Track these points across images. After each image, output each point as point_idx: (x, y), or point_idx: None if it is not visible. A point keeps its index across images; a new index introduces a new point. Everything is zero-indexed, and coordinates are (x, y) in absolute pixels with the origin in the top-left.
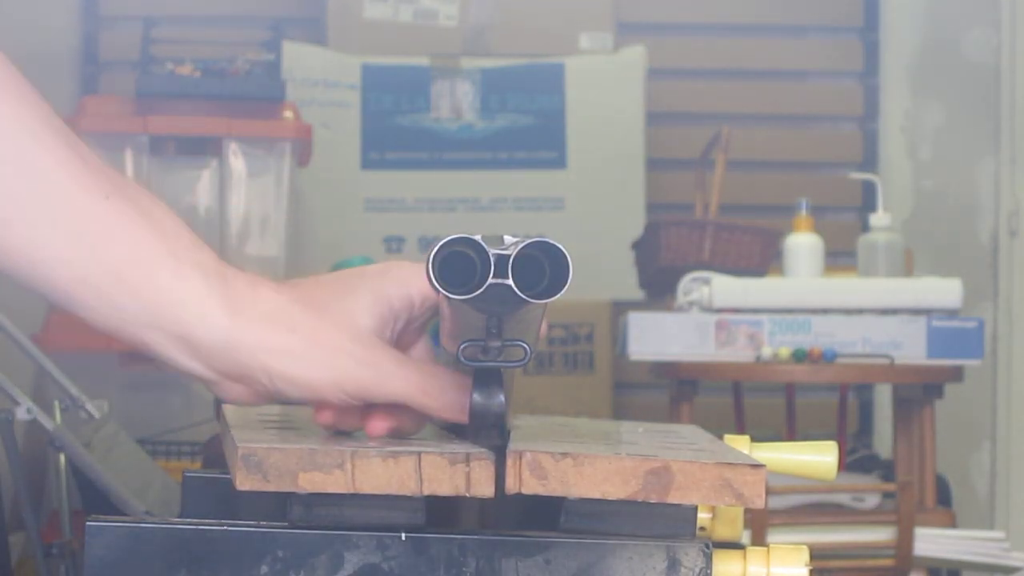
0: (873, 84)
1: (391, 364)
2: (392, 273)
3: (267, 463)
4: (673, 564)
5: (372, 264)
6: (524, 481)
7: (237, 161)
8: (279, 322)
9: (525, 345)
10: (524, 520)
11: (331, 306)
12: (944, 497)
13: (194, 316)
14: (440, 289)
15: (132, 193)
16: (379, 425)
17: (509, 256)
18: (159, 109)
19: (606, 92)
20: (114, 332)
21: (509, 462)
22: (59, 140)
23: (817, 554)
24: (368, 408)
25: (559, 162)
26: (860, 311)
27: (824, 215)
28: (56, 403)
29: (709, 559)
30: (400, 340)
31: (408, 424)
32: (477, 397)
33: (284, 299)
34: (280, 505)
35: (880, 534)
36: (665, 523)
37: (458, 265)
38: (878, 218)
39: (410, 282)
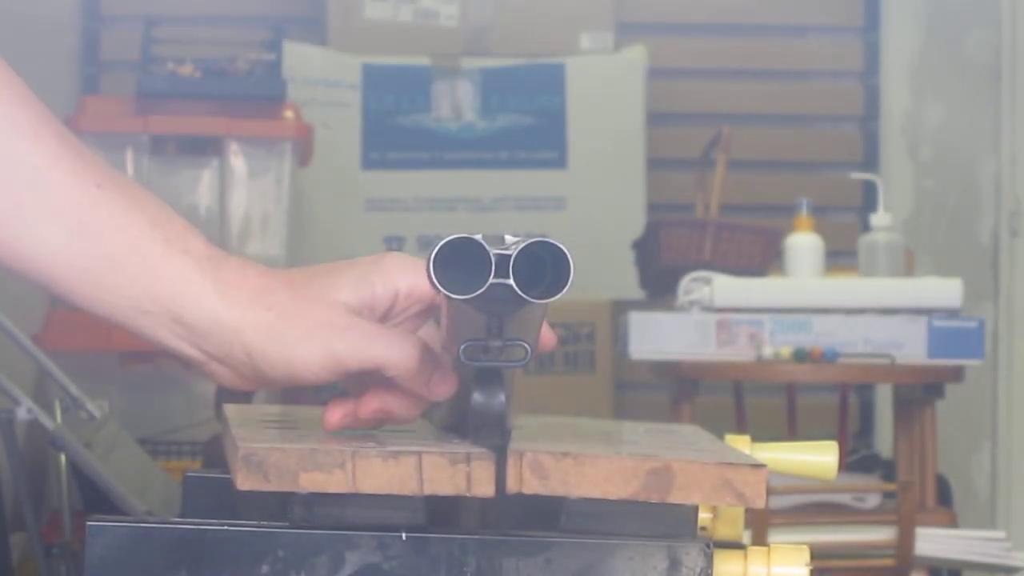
0: (873, 84)
1: (368, 330)
2: (383, 262)
3: (268, 463)
4: (674, 564)
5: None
6: (525, 481)
7: (237, 161)
8: (260, 302)
9: (526, 345)
10: (525, 520)
11: (314, 285)
12: (945, 497)
13: (185, 299)
14: (441, 289)
15: (122, 182)
16: (368, 407)
17: (510, 256)
18: (159, 109)
19: (606, 92)
20: (109, 318)
21: (510, 462)
22: (54, 135)
23: (818, 554)
24: (360, 393)
25: (559, 162)
26: (861, 311)
27: (824, 215)
28: (56, 403)
29: (710, 559)
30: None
31: (398, 408)
32: (478, 397)
33: (269, 280)
34: (281, 505)
35: (881, 534)
36: (666, 523)
37: (459, 265)
38: (879, 218)
39: (398, 274)
